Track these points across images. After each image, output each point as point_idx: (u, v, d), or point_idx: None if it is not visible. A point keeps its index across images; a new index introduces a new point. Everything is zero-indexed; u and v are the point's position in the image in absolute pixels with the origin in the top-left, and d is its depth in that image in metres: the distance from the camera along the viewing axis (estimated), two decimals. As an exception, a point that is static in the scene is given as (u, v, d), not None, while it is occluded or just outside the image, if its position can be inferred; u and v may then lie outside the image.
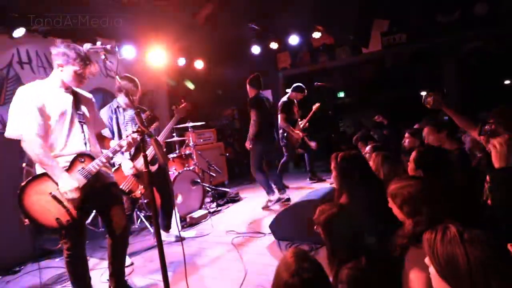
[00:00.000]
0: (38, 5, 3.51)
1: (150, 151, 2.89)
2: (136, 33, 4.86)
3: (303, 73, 6.54)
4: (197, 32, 4.92)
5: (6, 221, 3.04)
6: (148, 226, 3.86)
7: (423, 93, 2.21)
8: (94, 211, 2.88)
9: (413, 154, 2.08)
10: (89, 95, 2.40)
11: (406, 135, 3.40)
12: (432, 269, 0.99)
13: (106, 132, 2.57)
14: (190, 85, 6.21)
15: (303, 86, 5.14)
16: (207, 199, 4.76)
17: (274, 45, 5.97)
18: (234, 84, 6.82)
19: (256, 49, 6.13)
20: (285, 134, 5.12)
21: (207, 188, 4.64)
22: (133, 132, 2.10)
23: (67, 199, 1.97)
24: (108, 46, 1.93)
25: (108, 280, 2.39)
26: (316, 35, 5.75)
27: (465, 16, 4.93)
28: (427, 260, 1.02)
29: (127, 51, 4.96)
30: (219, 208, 4.59)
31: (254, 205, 4.54)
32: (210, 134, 6.03)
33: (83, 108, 2.22)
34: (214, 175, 5.01)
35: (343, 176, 2.12)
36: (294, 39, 5.80)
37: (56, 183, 1.96)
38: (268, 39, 5.89)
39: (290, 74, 6.69)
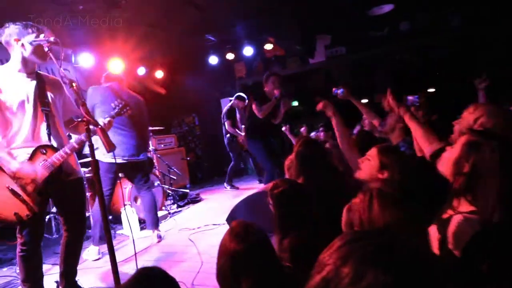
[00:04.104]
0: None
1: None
2: (93, 41, 4.62)
3: (258, 82, 6.63)
4: (154, 42, 4.81)
5: None
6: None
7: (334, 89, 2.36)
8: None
9: None
10: (57, 78, 2.05)
11: None
12: None
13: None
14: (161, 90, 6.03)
15: (244, 96, 5.23)
16: (168, 201, 4.59)
17: (230, 56, 6.00)
18: (194, 93, 6.76)
19: (214, 59, 6.12)
20: (233, 139, 5.18)
21: (167, 191, 4.48)
22: (81, 120, 1.74)
23: (25, 188, 1.71)
24: (52, 38, 1.70)
25: (57, 281, 2.14)
26: (268, 46, 5.88)
27: (392, 32, 5.38)
28: None
29: (85, 59, 4.69)
30: (179, 209, 4.43)
31: (214, 205, 4.46)
32: (171, 140, 5.84)
33: (49, 95, 1.91)
34: (175, 178, 4.86)
35: (301, 159, 2.07)
36: (248, 50, 5.89)
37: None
38: (225, 50, 5.92)
39: (246, 82, 6.77)
